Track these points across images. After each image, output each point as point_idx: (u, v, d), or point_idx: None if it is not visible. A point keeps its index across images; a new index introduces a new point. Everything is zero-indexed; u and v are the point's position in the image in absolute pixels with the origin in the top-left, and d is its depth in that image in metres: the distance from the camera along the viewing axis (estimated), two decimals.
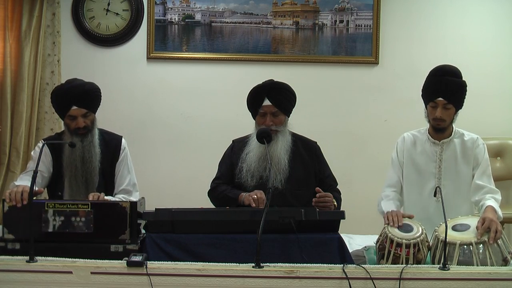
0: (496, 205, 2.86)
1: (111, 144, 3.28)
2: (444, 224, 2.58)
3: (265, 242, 2.47)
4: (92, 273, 2.42)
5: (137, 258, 2.44)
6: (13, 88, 4.44)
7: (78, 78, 3.29)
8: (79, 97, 3.11)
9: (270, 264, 2.45)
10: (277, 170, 3.09)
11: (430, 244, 2.74)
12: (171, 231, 2.75)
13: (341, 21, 4.72)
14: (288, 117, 3.25)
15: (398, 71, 4.68)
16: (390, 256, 2.68)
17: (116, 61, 4.67)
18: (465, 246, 2.61)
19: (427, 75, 3.09)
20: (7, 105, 4.41)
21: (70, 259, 2.49)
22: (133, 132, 4.36)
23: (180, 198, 4.03)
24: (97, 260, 2.49)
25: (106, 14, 4.64)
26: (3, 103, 4.43)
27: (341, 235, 2.80)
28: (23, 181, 2.96)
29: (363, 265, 2.46)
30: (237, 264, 2.45)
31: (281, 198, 3.05)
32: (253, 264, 2.43)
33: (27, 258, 2.47)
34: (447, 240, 2.52)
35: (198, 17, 4.73)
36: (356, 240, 3.44)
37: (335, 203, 3.04)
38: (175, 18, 4.71)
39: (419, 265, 2.58)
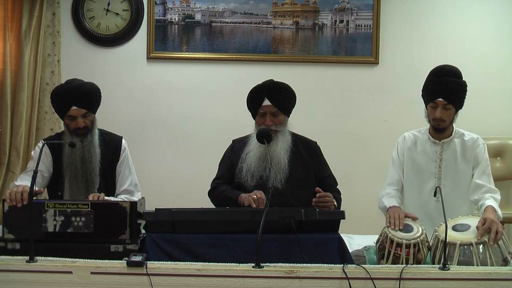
0: (496, 205, 2.87)
1: (111, 145, 3.28)
2: (444, 224, 2.58)
3: (265, 242, 2.47)
4: (92, 273, 2.42)
5: (137, 258, 2.44)
6: (13, 88, 4.44)
7: (78, 78, 3.29)
8: (79, 97, 3.11)
9: (270, 264, 2.45)
10: (277, 170, 3.09)
11: (430, 244, 2.74)
12: (171, 231, 2.75)
13: (341, 21, 4.72)
14: (288, 117, 3.25)
15: (398, 71, 4.68)
16: (390, 256, 2.68)
17: (116, 61, 4.67)
18: (465, 246, 2.61)
19: (427, 75, 3.10)
20: (7, 105, 4.41)
21: (70, 259, 2.49)
22: (133, 132, 4.36)
23: (180, 198, 4.03)
24: (97, 260, 2.49)
25: (106, 14, 4.64)
26: (3, 103, 4.43)
27: (341, 235, 2.80)
28: (23, 181, 2.96)
29: (363, 265, 2.46)
30: (237, 264, 2.45)
31: (281, 198, 3.05)
32: (253, 264, 2.43)
33: (27, 258, 2.47)
34: (447, 240, 2.52)
35: (198, 17, 4.73)
36: (356, 240, 3.44)
37: (335, 203, 3.04)
38: (175, 18, 4.71)
39: (419, 265, 2.58)
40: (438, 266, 2.48)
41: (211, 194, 3.26)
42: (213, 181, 3.29)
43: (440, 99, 2.98)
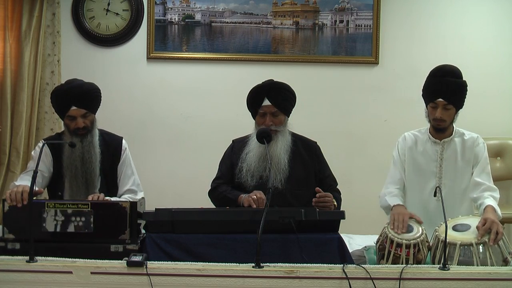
0: (495, 204, 2.87)
1: (112, 145, 3.28)
2: (444, 224, 2.58)
3: (265, 242, 2.47)
4: (92, 273, 2.42)
5: (137, 258, 2.44)
6: (13, 88, 4.44)
7: (78, 78, 3.29)
8: (78, 97, 3.11)
9: (270, 264, 2.44)
10: (277, 170, 3.09)
11: (430, 244, 2.74)
12: (171, 231, 2.74)
13: (341, 21, 4.72)
14: (288, 117, 3.25)
15: (398, 71, 4.68)
16: (390, 256, 2.68)
17: (116, 61, 4.67)
18: (465, 247, 2.61)
19: (427, 75, 3.10)
20: (7, 105, 4.41)
21: (70, 259, 2.49)
22: (133, 132, 4.36)
23: (180, 198, 4.04)
24: (97, 260, 2.49)
25: (106, 14, 4.64)
26: (3, 103, 4.43)
27: (341, 235, 2.80)
28: (23, 181, 2.96)
29: (363, 265, 2.46)
30: (237, 264, 2.45)
31: (281, 198, 3.05)
32: (253, 264, 2.43)
33: (27, 258, 2.47)
34: (447, 240, 2.52)
35: (198, 17, 4.73)
36: (356, 240, 3.44)
37: (335, 203, 3.04)
38: (175, 18, 4.71)
39: (419, 265, 2.58)
40: (438, 266, 2.47)
41: (211, 194, 3.26)
42: (213, 181, 3.29)
43: (440, 99, 2.98)
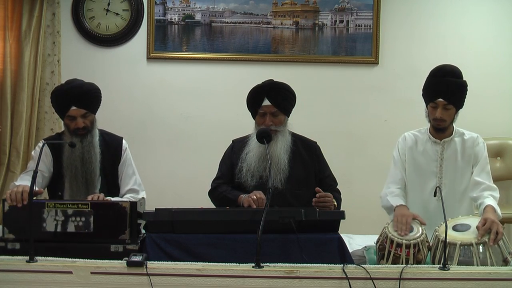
0: (495, 204, 2.87)
1: (112, 145, 3.28)
2: (444, 224, 2.58)
3: (265, 242, 2.47)
4: (92, 273, 2.42)
5: (137, 258, 2.44)
6: (13, 88, 4.44)
7: (78, 78, 3.29)
8: (78, 97, 3.11)
9: (270, 264, 2.44)
10: (277, 170, 3.09)
11: (430, 244, 2.74)
12: (171, 231, 2.74)
13: (341, 21, 4.72)
14: (288, 117, 3.25)
15: (398, 71, 4.68)
16: (390, 256, 2.68)
17: (116, 61, 4.67)
18: (465, 247, 2.61)
19: (427, 75, 3.10)
20: (7, 105, 4.41)
21: (70, 259, 2.49)
22: (133, 132, 4.36)
23: (180, 198, 4.04)
24: (97, 260, 2.49)
25: (106, 14, 4.64)
26: (3, 103, 4.43)
27: (341, 235, 2.80)
28: (23, 181, 2.96)
29: (363, 265, 2.46)
30: (237, 264, 2.45)
31: (281, 198, 3.05)
32: (253, 264, 2.43)
33: (27, 258, 2.47)
34: (447, 240, 2.52)
35: (198, 17, 4.73)
36: (356, 240, 3.44)
37: (335, 203, 3.04)
38: (175, 18, 4.71)
39: (419, 265, 2.58)
40: (438, 266, 2.47)
41: (212, 194, 3.26)
42: (214, 181, 3.29)
43: (441, 99, 2.98)
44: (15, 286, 2.42)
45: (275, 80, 3.25)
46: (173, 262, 2.54)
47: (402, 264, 2.58)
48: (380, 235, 2.81)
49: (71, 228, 2.67)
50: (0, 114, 4.44)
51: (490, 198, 2.91)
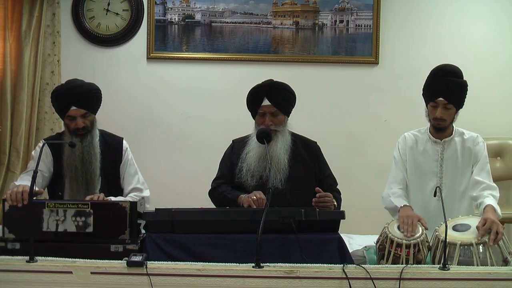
0: (495, 203, 2.87)
1: (112, 146, 3.28)
2: (444, 224, 2.58)
3: (265, 242, 2.47)
4: (92, 273, 2.42)
5: (137, 258, 2.44)
6: (13, 88, 4.44)
7: (78, 78, 3.29)
8: (78, 97, 3.11)
9: (270, 264, 2.44)
10: (277, 170, 3.09)
11: (430, 244, 2.74)
12: (171, 231, 2.74)
13: (341, 21, 4.72)
14: (288, 117, 3.25)
15: (398, 71, 4.68)
16: (390, 256, 2.68)
17: (116, 61, 4.67)
18: (465, 247, 2.61)
19: (427, 75, 3.10)
20: (7, 105, 4.41)
21: (70, 259, 2.49)
22: (133, 132, 4.36)
23: (180, 198, 4.03)
24: (97, 260, 2.49)
25: (106, 14, 4.64)
26: (3, 103, 4.43)
27: (341, 235, 2.80)
28: (24, 181, 2.96)
29: (363, 265, 2.46)
30: (237, 264, 2.45)
31: (281, 198, 3.05)
32: (253, 264, 2.43)
33: (27, 258, 2.47)
34: (447, 240, 2.52)
35: (198, 17, 4.73)
36: (356, 240, 3.44)
37: (335, 203, 3.04)
38: (175, 18, 4.71)
39: (419, 265, 2.58)
40: (438, 266, 2.47)
41: (212, 194, 3.26)
42: (214, 181, 3.29)
43: (441, 98, 2.98)
44: (15, 286, 2.42)
45: (275, 80, 3.25)
46: (173, 262, 2.54)
47: (402, 264, 2.58)
48: (380, 235, 2.81)
49: (71, 228, 2.67)
50: (0, 114, 4.44)
51: (490, 198, 2.91)
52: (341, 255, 2.71)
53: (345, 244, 2.77)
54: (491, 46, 4.66)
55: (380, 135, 4.59)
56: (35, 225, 2.61)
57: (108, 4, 4.63)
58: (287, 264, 2.46)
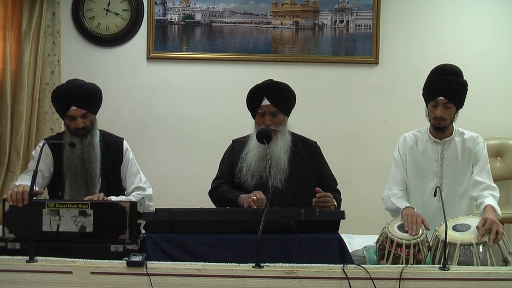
0: (495, 203, 2.87)
1: (113, 146, 3.27)
2: (444, 224, 2.58)
3: (265, 242, 2.47)
4: (92, 273, 2.42)
5: (137, 258, 2.44)
6: (13, 88, 4.44)
7: (78, 78, 3.29)
8: (78, 97, 3.11)
9: (270, 264, 2.45)
10: (277, 170, 3.09)
11: (430, 244, 2.74)
12: (171, 231, 2.74)
13: (341, 21, 4.72)
14: (288, 117, 3.25)
15: (398, 71, 4.68)
16: (390, 256, 2.68)
17: (116, 61, 4.67)
18: (465, 247, 2.61)
19: (427, 75, 3.10)
20: (7, 105, 4.41)
21: (70, 259, 2.49)
22: (133, 132, 4.36)
23: (180, 198, 4.03)
24: (97, 260, 2.49)
25: (106, 14, 4.64)
26: (3, 103, 4.43)
27: (341, 235, 2.80)
28: (24, 181, 2.96)
29: (363, 265, 2.46)
30: (237, 264, 2.45)
31: (281, 198, 3.05)
32: (253, 264, 2.43)
33: (27, 258, 2.47)
34: (447, 240, 2.52)
35: (198, 17, 4.73)
36: (356, 240, 3.43)
37: (335, 203, 3.04)
38: (175, 18, 4.71)
39: (419, 265, 2.58)
40: (438, 266, 2.47)
41: (212, 194, 3.26)
42: (214, 181, 3.29)
43: (441, 97, 2.98)
44: (15, 286, 2.42)
45: (274, 80, 3.25)
46: (173, 262, 2.54)
47: (402, 264, 2.58)
48: (380, 235, 2.81)
49: (71, 228, 2.67)
50: (0, 114, 4.44)
51: (490, 198, 2.91)
52: (341, 255, 2.71)
53: (345, 244, 2.77)
54: (491, 46, 4.66)
55: (380, 135, 4.59)
56: (35, 225, 2.61)
57: (108, 4, 4.63)
58: (287, 264, 2.46)
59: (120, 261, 2.50)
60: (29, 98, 4.44)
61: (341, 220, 2.83)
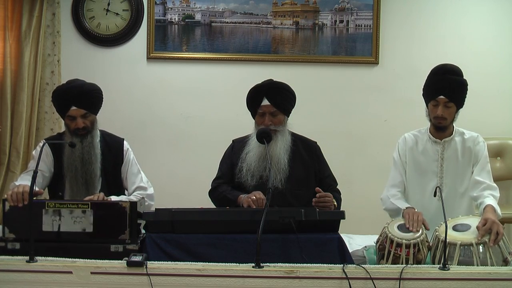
0: (495, 203, 2.87)
1: (113, 147, 3.27)
2: (444, 224, 2.58)
3: (265, 242, 2.47)
4: (92, 273, 2.42)
5: (137, 258, 2.44)
6: (13, 88, 4.44)
7: (79, 78, 3.29)
8: (78, 97, 3.11)
9: (270, 264, 2.45)
10: (277, 170, 3.09)
11: (430, 244, 2.74)
12: (171, 231, 2.74)
13: (341, 21, 4.72)
14: (288, 117, 3.25)
15: (398, 71, 4.68)
16: (390, 256, 2.68)
17: (116, 61, 4.67)
18: (465, 247, 2.61)
19: (427, 75, 3.10)
20: (7, 105, 4.41)
21: (70, 259, 2.49)
22: (133, 132, 4.36)
23: (180, 198, 4.03)
24: (97, 260, 2.49)
25: (106, 14, 4.64)
26: (3, 103, 4.43)
27: (341, 235, 2.80)
28: (24, 181, 2.96)
29: (363, 265, 2.46)
30: (237, 264, 2.45)
31: (281, 198, 3.05)
32: (253, 264, 2.43)
33: (27, 258, 2.47)
34: (447, 240, 2.52)
35: (198, 17, 4.73)
36: (356, 240, 3.43)
37: (335, 203, 3.04)
38: (175, 18, 4.71)
39: (419, 265, 2.58)
40: (438, 266, 2.47)
41: (212, 194, 3.26)
42: (214, 181, 3.29)
43: (442, 96, 2.99)
44: (15, 286, 2.42)
45: (274, 80, 3.25)
46: (173, 262, 2.54)
47: (402, 264, 2.58)
48: (380, 235, 2.81)
49: (71, 228, 2.67)
50: (0, 114, 4.44)
51: (490, 198, 2.91)
52: (341, 255, 2.71)
53: (345, 244, 2.77)
54: (491, 46, 4.66)
55: (380, 135, 4.60)
56: (35, 225, 2.61)
57: (108, 4, 4.63)
58: (287, 264, 2.46)
59: (120, 261, 2.50)
60: (29, 98, 4.44)
61: (341, 220, 2.83)
